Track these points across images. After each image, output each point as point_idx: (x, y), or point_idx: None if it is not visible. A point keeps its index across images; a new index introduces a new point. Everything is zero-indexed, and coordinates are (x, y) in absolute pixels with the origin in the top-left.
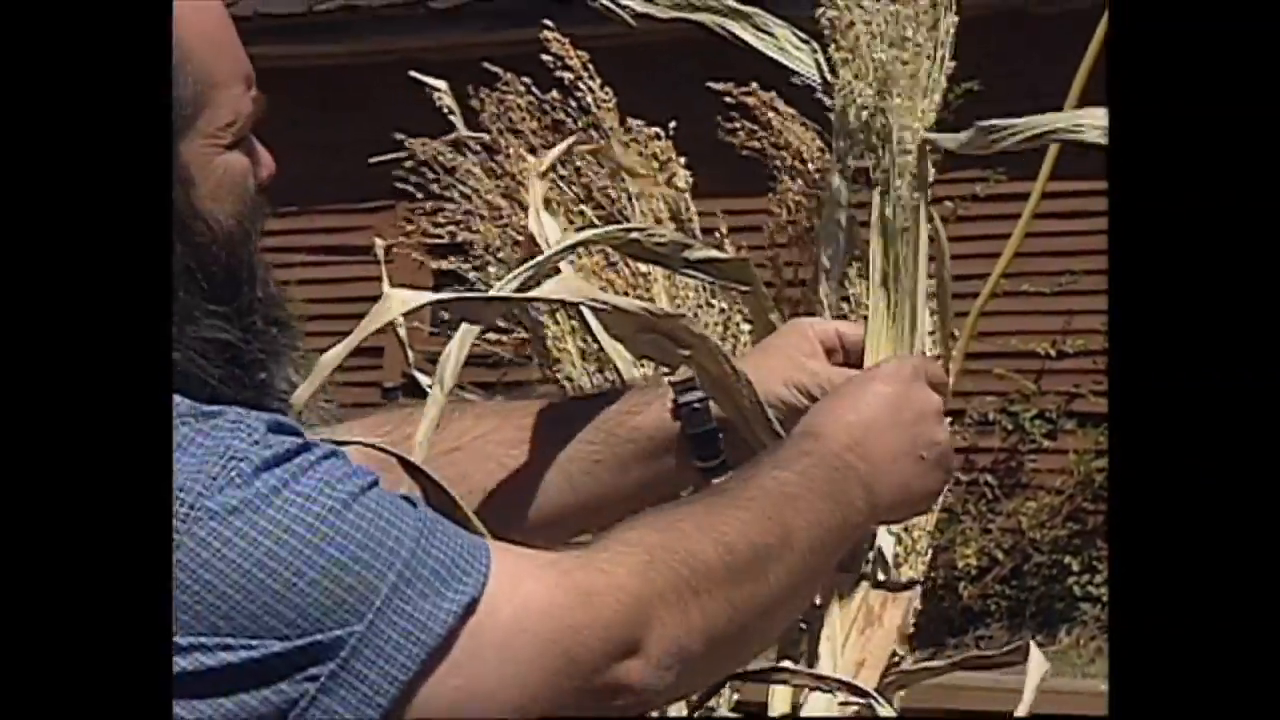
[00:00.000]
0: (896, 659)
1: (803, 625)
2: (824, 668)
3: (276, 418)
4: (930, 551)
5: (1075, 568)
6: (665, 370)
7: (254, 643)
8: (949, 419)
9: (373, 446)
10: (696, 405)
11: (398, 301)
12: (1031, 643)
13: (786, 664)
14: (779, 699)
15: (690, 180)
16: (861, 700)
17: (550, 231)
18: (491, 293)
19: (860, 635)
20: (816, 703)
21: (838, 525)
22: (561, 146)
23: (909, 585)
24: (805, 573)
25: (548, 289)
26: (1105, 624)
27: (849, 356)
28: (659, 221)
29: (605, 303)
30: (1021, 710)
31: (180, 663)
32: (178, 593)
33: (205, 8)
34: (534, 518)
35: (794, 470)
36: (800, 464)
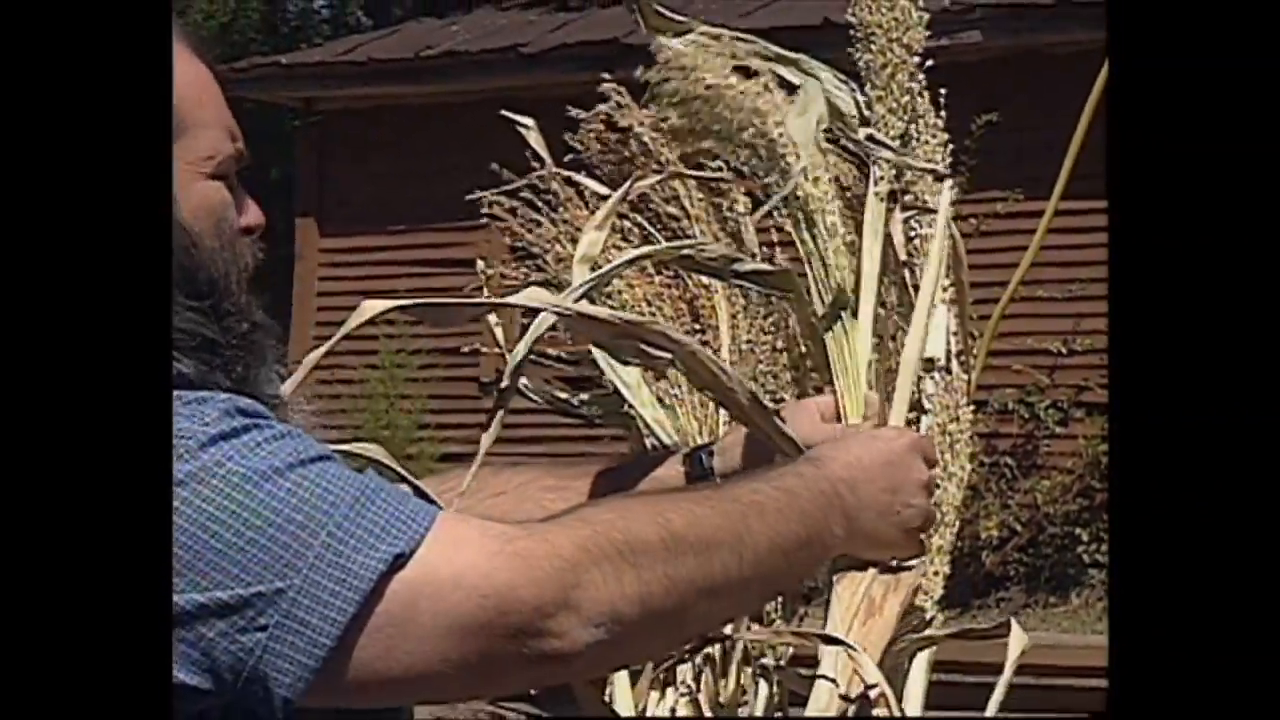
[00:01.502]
0: (916, 621)
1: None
2: (825, 663)
3: (237, 402)
4: (957, 523)
5: (1085, 538)
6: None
7: (204, 593)
8: (973, 408)
9: (387, 467)
10: (702, 458)
11: (369, 308)
12: (1012, 619)
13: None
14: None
15: (748, 203)
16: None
17: (579, 276)
18: (458, 300)
19: (861, 626)
20: (819, 697)
21: (803, 541)
22: (614, 200)
23: (910, 566)
24: (757, 571)
25: (514, 298)
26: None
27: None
28: (717, 240)
29: (571, 310)
30: (1003, 680)
31: None
32: None
33: (191, 66)
34: None
35: (777, 486)
36: (788, 482)
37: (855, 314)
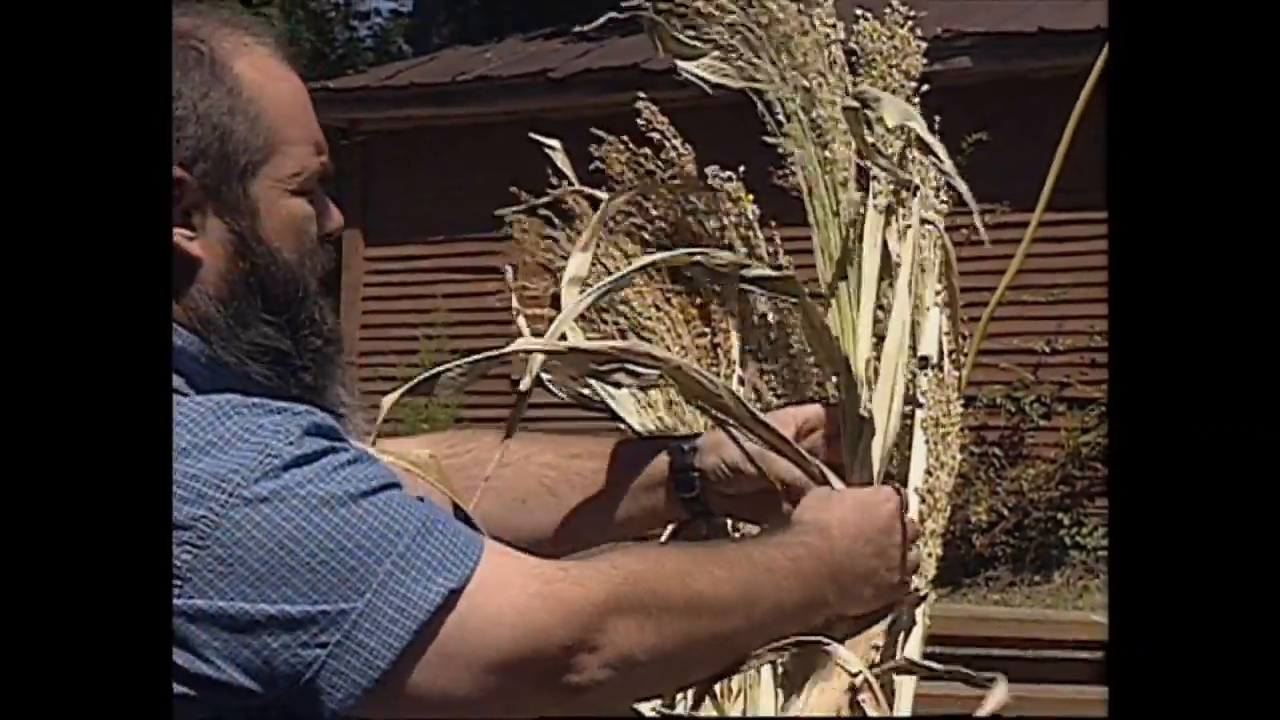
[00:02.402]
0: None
1: None
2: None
3: (317, 421)
4: (949, 509)
5: (1066, 522)
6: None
7: (274, 605)
8: (964, 402)
9: (411, 464)
10: (685, 451)
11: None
12: (1001, 677)
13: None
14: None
15: (757, 213)
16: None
17: (568, 303)
18: (482, 356)
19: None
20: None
21: (802, 606)
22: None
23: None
24: (759, 630)
25: (513, 346)
26: (1090, 567)
27: (828, 429)
28: (728, 248)
29: (566, 348)
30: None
31: (220, 611)
32: (216, 563)
33: (285, 83)
34: (551, 520)
35: (787, 555)
36: (796, 552)
37: (857, 313)
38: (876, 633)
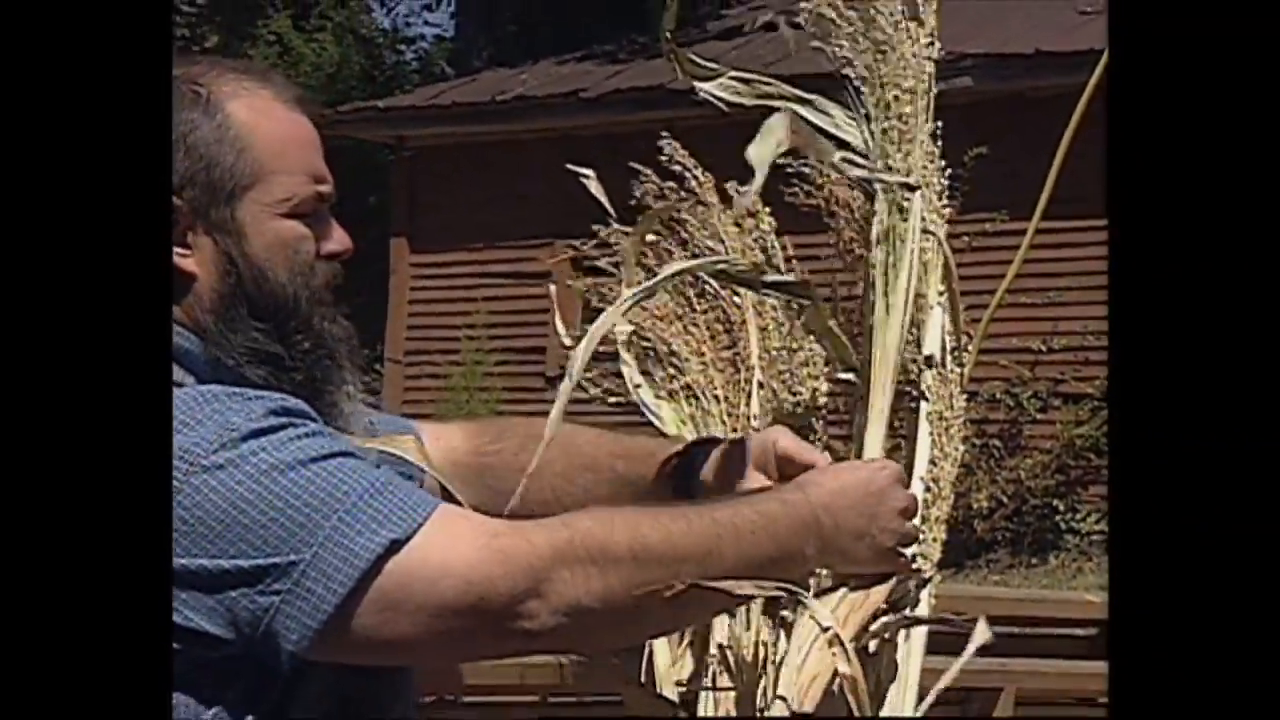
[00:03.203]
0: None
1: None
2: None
3: (285, 402)
4: (953, 496)
5: (1061, 508)
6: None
7: (231, 560)
8: (966, 397)
9: (395, 449)
10: (691, 456)
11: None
12: (982, 619)
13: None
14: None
15: (773, 224)
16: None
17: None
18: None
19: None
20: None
21: (772, 558)
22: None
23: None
24: (723, 580)
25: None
26: (1084, 551)
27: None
28: (746, 255)
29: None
30: (959, 663)
31: (183, 568)
32: (180, 525)
33: (280, 122)
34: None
35: (758, 510)
36: (769, 506)
37: (873, 312)
38: (876, 600)
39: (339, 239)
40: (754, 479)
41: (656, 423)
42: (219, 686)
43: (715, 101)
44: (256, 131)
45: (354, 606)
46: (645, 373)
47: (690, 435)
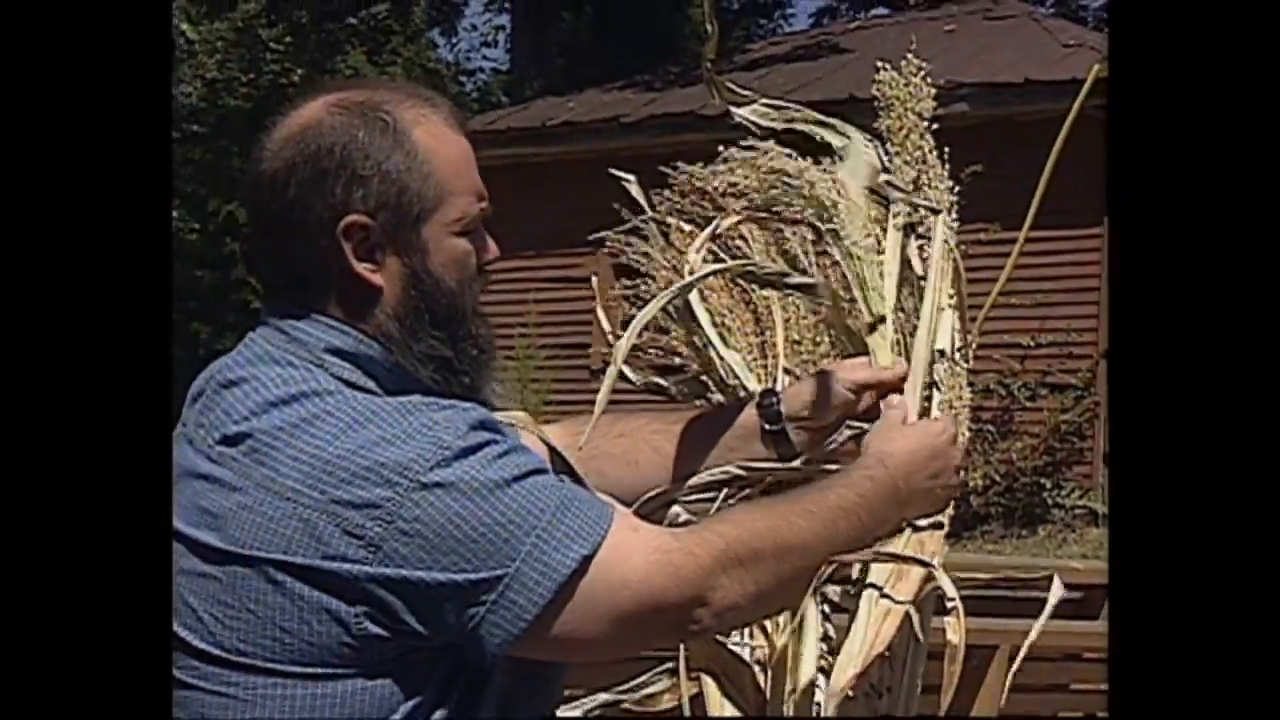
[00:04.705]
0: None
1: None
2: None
3: (480, 417)
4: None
5: (1048, 486)
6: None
7: (445, 573)
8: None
9: (552, 449)
10: (772, 400)
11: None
12: (1057, 575)
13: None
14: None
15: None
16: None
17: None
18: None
19: (897, 581)
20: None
21: (872, 529)
22: (705, 233)
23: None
24: (841, 556)
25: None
26: (1068, 524)
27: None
28: (774, 261)
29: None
30: (1043, 617)
31: (403, 578)
32: (400, 535)
33: (454, 145)
34: (660, 476)
35: (857, 491)
36: (863, 486)
37: (883, 317)
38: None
39: (492, 248)
40: (834, 412)
41: (735, 367)
42: (420, 678)
43: (748, 124)
44: (436, 157)
45: (549, 614)
46: (721, 326)
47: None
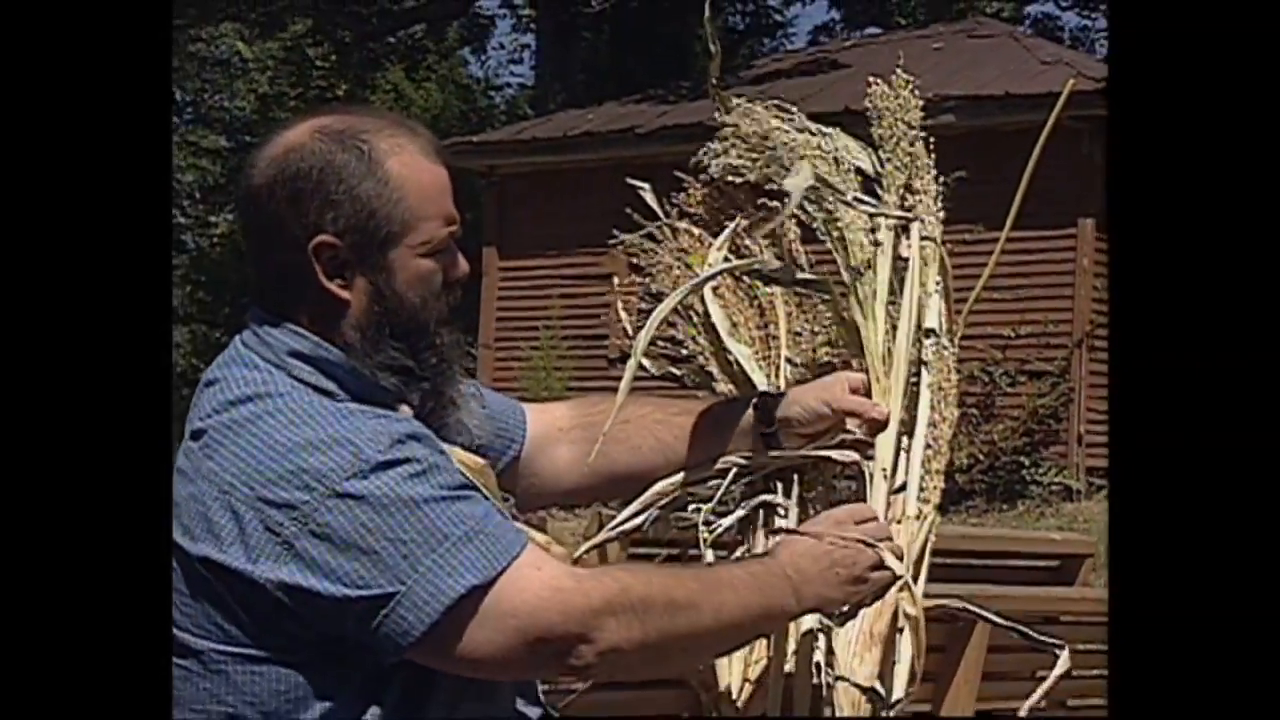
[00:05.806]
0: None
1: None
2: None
3: (410, 430)
4: (949, 452)
5: (1027, 464)
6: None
7: (343, 588)
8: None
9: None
10: (771, 402)
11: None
12: (1063, 650)
13: None
14: None
15: (798, 232)
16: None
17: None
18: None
19: (865, 652)
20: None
21: (764, 607)
22: (725, 235)
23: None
24: (726, 629)
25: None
26: (1045, 499)
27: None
28: (778, 259)
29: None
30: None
31: (308, 586)
32: (311, 537)
33: (426, 173)
34: (659, 462)
35: (747, 571)
36: (753, 568)
37: (875, 306)
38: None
39: (461, 266)
40: (823, 424)
41: (742, 362)
42: (351, 669)
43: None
44: (407, 185)
45: (437, 633)
46: (733, 322)
47: (761, 380)
